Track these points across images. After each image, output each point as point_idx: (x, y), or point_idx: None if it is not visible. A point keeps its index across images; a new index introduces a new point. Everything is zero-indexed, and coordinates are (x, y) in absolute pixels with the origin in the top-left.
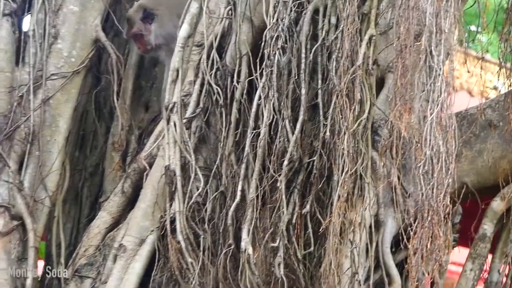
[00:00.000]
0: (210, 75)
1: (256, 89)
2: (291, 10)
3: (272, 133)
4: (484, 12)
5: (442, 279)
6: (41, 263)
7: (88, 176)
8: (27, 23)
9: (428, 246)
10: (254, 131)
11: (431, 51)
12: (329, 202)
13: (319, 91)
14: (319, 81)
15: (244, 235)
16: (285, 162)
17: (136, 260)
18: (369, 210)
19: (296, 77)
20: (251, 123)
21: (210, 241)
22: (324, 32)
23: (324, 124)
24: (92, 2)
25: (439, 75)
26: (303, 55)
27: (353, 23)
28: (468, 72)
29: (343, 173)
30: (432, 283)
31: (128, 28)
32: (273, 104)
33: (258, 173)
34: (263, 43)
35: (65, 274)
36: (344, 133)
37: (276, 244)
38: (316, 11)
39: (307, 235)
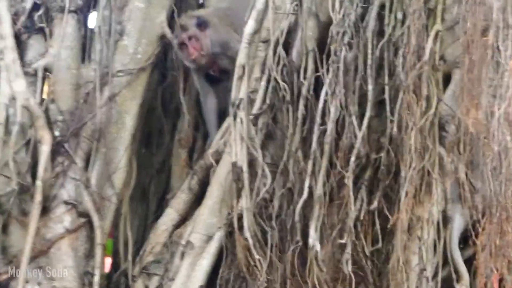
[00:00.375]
0: (277, 72)
1: (323, 85)
2: (357, 6)
3: (339, 129)
4: None
5: (511, 276)
6: (108, 260)
7: (154, 173)
8: (92, 20)
9: (497, 242)
10: (321, 127)
11: (498, 46)
12: (397, 198)
13: (386, 87)
14: (386, 77)
15: (312, 231)
16: (352, 158)
17: (204, 257)
18: (437, 206)
19: (362, 73)
20: (318, 119)
21: (277, 237)
22: (390, 27)
23: (391, 120)
24: None
25: (506, 70)
26: (369, 51)
27: (419, 19)
28: None
29: (411, 169)
30: (501, 280)
31: (183, 33)
32: (340, 100)
33: (325, 170)
34: (329, 39)
35: (132, 271)
36: (411, 129)
37: (343, 241)
38: (382, 7)
39: (375, 231)
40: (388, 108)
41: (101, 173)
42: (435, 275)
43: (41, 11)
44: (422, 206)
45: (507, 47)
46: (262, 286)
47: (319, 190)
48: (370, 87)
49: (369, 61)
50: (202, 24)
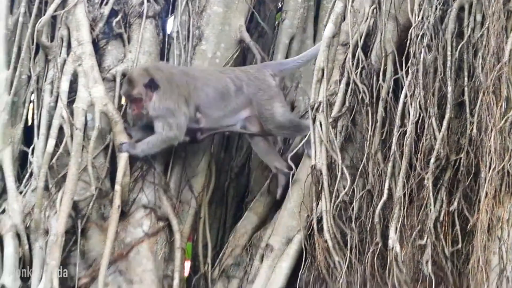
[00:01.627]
0: (356, 74)
1: (402, 88)
2: (436, 8)
3: (418, 131)
4: None
5: None
6: (187, 264)
7: (234, 176)
8: (170, 25)
9: None
10: (401, 129)
11: None
12: (477, 199)
13: (465, 89)
14: (465, 79)
15: (392, 233)
16: (432, 160)
17: (283, 260)
18: None
19: (442, 75)
20: (397, 121)
21: (357, 239)
22: (469, 29)
23: (470, 121)
24: (236, 3)
25: None
26: (448, 53)
27: (499, 20)
28: None
29: (491, 170)
30: None
31: (128, 89)
32: (419, 102)
33: (405, 171)
34: (408, 41)
35: (211, 275)
36: (491, 130)
37: (423, 242)
38: (461, 9)
39: (455, 232)
40: (467, 109)
41: (180, 177)
42: None
43: (119, 17)
44: (502, 206)
45: None
46: (341, 287)
47: (398, 192)
48: (449, 88)
49: (448, 63)
50: (152, 86)
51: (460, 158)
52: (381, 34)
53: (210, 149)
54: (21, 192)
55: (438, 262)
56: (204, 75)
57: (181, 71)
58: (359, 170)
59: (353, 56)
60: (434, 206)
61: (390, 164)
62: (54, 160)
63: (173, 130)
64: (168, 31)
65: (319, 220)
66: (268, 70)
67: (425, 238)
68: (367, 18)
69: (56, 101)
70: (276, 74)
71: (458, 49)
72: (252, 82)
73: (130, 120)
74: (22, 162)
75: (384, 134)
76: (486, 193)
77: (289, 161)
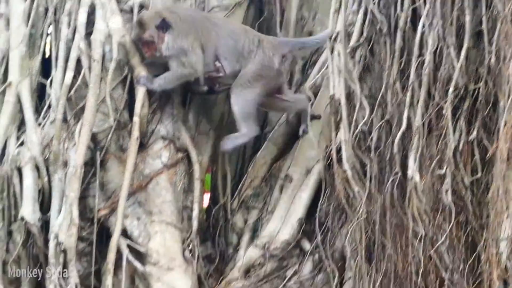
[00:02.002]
0: (374, 4)
1: (420, 17)
2: None
3: (436, 60)
4: None
5: None
6: (206, 196)
7: None
8: None
9: None
10: (419, 59)
11: None
12: (496, 128)
13: (484, 18)
14: (483, 8)
15: (411, 162)
16: (451, 89)
17: (303, 190)
18: None
19: (460, 4)
20: (415, 51)
21: (376, 169)
22: None
23: (489, 51)
24: None
25: None
26: None
27: None
28: None
29: (509, 99)
30: None
31: (139, 32)
32: (438, 31)
33: (423, 101)
34: None
35: (231, 205)
36: (510, 59)
37: (443, 171)
38: None
39: (474, 161)
40: (485, 38)
41: (198, 108)
42: None
43: None
44: None
45: None
46: (361, 217)
47: (417, 121)
48: (467, 18)
49: None
50: (163, 27)
51: (479, 88)
52: None
53: None
54: (39, 124)
55: (457, 191)
56: (227, 26)
57: (204, 16)
58: (378, 100)
59: None
60: (453, 136)
61: (408, 94)
62: (72, 92)
63: (187, 68)
64: None
65: (338, 151)
66: (283, 49)
67: (445, 168)
68: None
69: (74, 33)
70: (288, 55)
71: None
72: (261, 54)
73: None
74: (40, 94)
75: (402, 64)
76: (505, 122)
77: (307, 91)
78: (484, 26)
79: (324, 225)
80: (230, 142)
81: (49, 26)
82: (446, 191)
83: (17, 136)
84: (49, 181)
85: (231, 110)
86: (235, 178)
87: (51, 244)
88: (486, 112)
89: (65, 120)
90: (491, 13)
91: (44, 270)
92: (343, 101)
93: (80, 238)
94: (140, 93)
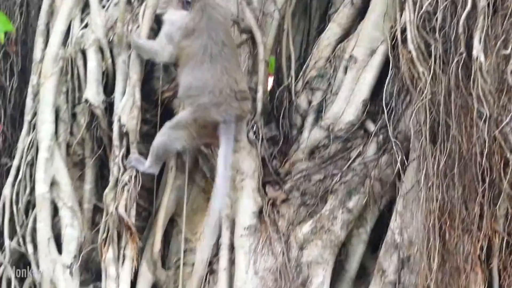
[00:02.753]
0: None
1: None
2: None
3: None
4: None
5: None
6: (270, 79)
7: None
8: None
9: None
10: None
11: None
12: None
13: None
14: None
15: (476, 43)
16: None
17: (367, 71)
18: None
19: None
20: None
21: (441, 50)
22: None
23: None
24: None
25: None
26: None
27: None
28: None
29: None
30: None
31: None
32: None
33: None
34: None
35: (295, 87)
36: None
37: (508, 52)
38: None
39: None
40: None
41: None
42: None
43: None
44: None
45: None
46: (426, 98)
47: (483, 2)
48: None
49: None
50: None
51: None
52: None
53: None
54: (103, 6)
55: None
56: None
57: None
58: None
59: None
60: None
61: None
62: None
63: (157, 49)
64: None
65: (403, 31)
66: None
67: (510, 48)
68: None
69: None
70: None
71: None
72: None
73: None
74: None
75: None
76: None
77: None
78: None
79: (389, 106)
80: (134, 162)
81: None
82: (511, 71)
83: (81, 18)
84: (113, 63)
85: None
86: (299, 60)
87: (115, 126)
88: None
89: (129, 2)
90: None
91: (108, 152)
92: None
93: (144, 121)
94: None
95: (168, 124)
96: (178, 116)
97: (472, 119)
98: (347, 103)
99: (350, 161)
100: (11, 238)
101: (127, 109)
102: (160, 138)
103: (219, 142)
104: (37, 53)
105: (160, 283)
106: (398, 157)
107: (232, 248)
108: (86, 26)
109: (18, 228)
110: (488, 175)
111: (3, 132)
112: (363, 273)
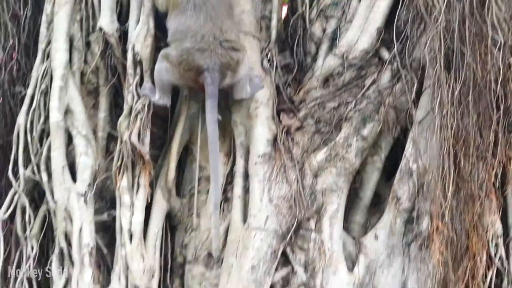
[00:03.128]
0: None
1: None
2: None
3: None
4: None
5: None
6: (284, 8)
7: None
8: None
9: None
10: None
11: None
12: None
13: None
14: None
15: None
16: None
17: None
18: None
19: None
20: None
21: None
22: None
23: None
24: None
25: None
26: None
27: None
28: None
29: None
30: None
31: None
32: None
33: None
34: None
35: (309, 15)
36: None
37: None
38: None
39: None
40: None
41: None
42: None
43: None
44: None
45: None
46: (440, 26)
47: None
48: None
49: None
50: None
51: None
52: None
53: None
54: None
55: None
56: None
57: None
58: None
59: None
60: None
61: None
62: None
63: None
64: None
65: None
66: None
67: None
68: None
69: None
70: None
71: None
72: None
73: None
74: None
75: None
76: None
77: None
78: None
79: (403, 34)
80: (148, 91)
81: None
82: None
83: None
84: None
85: None
86: None
87: (129, 54)
88: None
89: None
90: None
91: (122, 81)
92: None
93: (158, 49)
94: None
95: (161, 52)
96: (168, 49)
97: (487, 47)
98: (362, 31)
99: (364, 89)
100: (25, 167)
101: (141, 37)
102: (156, 65)
103: (205, 91)
104: None
105: (175, 211)
106: (413, 85)
107: (246, 176)
108: None
109: (32, 157)
110: (503, 102)
111: (17, 61)
112: (378, 201)
